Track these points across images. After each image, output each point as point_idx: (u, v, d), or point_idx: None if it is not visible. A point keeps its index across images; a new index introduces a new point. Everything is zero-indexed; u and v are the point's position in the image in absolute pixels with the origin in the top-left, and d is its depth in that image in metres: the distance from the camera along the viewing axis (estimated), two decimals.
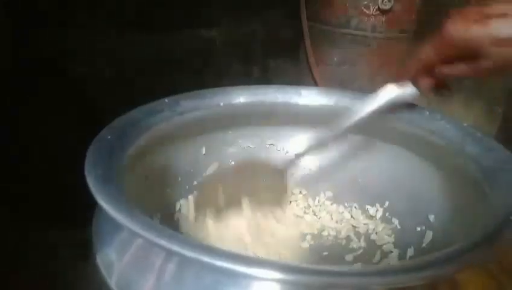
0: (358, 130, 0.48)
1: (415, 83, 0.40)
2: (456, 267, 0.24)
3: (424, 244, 0.40)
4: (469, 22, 0.34)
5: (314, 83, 0.71)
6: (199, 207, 0.43)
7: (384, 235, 0.45)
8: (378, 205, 0.47)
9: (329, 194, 0.50)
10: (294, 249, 0.44)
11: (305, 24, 0.71)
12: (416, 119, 0.43)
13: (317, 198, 0.50)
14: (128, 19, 0.65)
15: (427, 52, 0.38)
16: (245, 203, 0.43)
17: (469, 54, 0.35)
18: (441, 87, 0.40)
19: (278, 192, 0.46)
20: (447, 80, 0.40)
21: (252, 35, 0.78)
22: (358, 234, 0.46)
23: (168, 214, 0.43)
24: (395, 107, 0.42)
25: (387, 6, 0.64)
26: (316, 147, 0.44)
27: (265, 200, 0.44)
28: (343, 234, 0.46)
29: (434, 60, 0.38)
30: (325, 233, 0.47)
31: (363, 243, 0.45)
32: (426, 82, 0.39)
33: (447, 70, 0.38)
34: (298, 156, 0.45)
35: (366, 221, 0.47)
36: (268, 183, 0.45)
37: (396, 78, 0.41)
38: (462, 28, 0.34)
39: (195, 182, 0.47)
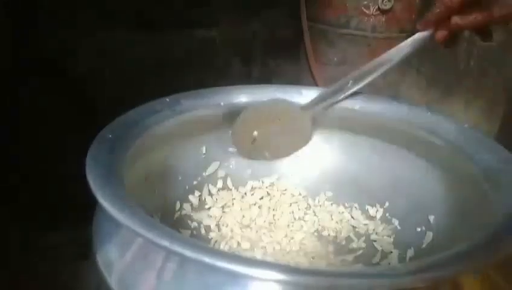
0: (359, 130, 0.48)
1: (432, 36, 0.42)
2: (457, 269, 0.24)
3: (424, 245, 0.40)
4: None
5: (314, 83, 0.71)
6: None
7: (384, 236, 0.45)
8: (378, 206, 0.47)
9: (329, 194, 0.50)
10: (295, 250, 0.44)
11: (305, 24, 0.71)
12: (417, 119, 0.43)
13: (317, 198, 0.50)
14: (128, 18, 0.65)
15: None
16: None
17: None
18: (453, 39, 0.42)
19: (301, 133, 0.48)
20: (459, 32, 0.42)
21: (252, 35, 0.78)
22: (358, 234, 0.46)
23: (168, 213, 0.44)
24: None
25: (387, 6, 0.65)
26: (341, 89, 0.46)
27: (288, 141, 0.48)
28: (343, 234, 0.46)
29: (453, 6, 0.39)
30: (325, 233, 0.47)
31: (363, 244, 0.45)
32: (441, 34, 0.41)
33: (460, 20, 0.39)
34: (323, 97, 0.46)
35: (366, 221, 0.47)
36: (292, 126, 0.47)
37: (421, 26, 0.43)
38: None
39: (195, 182, 0.47)
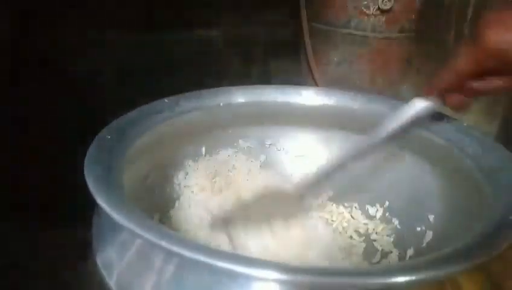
0: (359, 129, 0.48)
1: (442, 99, 0.37)
2: (456, 268, 0.24)
3: (424, 245, 0.40)
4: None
5: (314, 83, 0.71)
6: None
7: (384, 235, 0.45)
8: (378, 205, 0.47)
9: (329, 194, 0.50)
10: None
11: (305, 24, 0.71)
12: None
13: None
14: (128, 18, 0.65)
15: (461, 64, 0.33)
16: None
17: (509, 66, 0.31)
18: (468, 104, 0.36)
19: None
20: (476, 96, 0.35)
21: (252, 35, 0.78)
22: (358, 234, 0.46)
23: (167, 214, 0.43)
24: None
25: (387, 6, 0.64)
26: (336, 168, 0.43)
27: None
28: (343, 234, 0.46)
29: (467, 74, 0.33)
30: (325, 233, 0.46)
31: (363, 243, 0.45)
32: (456, 99, 0.35)
33: (479, 85, 0.33)
34: (316, 180, 0.43)
35: (366, 221, 0.47)
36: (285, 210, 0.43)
37: (424, 92, 0.38)
38: (505, 36, 0.30)
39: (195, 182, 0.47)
